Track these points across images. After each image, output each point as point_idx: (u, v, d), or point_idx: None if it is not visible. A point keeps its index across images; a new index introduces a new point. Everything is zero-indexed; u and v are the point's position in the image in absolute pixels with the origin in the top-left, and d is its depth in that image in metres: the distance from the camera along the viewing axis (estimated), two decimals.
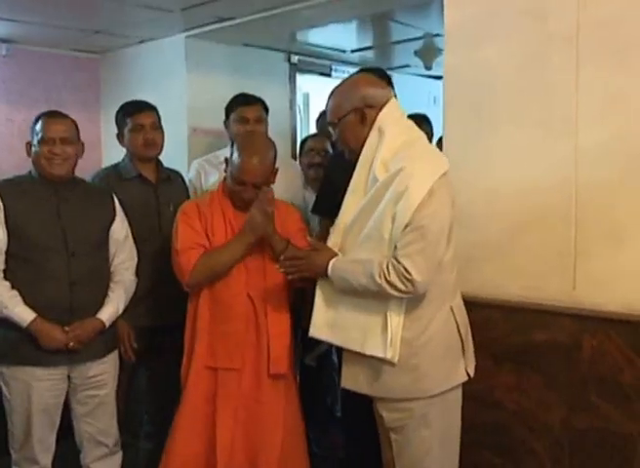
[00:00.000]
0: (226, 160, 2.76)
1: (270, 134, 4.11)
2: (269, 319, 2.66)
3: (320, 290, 2.45)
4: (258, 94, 3.80)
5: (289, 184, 3.59)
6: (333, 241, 2.46)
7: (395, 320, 2.31)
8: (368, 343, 2.34)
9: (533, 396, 2.68)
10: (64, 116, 2.86)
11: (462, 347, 2.45)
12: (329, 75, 5.37)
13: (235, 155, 2.67)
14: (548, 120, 2.65)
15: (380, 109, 2.41)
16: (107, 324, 2.83)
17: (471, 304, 2.73)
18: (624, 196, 2.49)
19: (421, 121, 4.29)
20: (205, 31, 4.17)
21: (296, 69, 5.11)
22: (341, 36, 4.83)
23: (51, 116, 2.82)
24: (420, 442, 2.41)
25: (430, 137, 4.25)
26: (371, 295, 2.32)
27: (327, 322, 2.44)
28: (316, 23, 4.29)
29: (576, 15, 2.56)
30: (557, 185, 2.63)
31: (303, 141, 4.20)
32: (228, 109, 3.65)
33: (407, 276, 2.21)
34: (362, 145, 2.41)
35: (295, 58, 5.08)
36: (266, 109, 3.66)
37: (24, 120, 4.65)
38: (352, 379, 2.46)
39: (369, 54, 5.38)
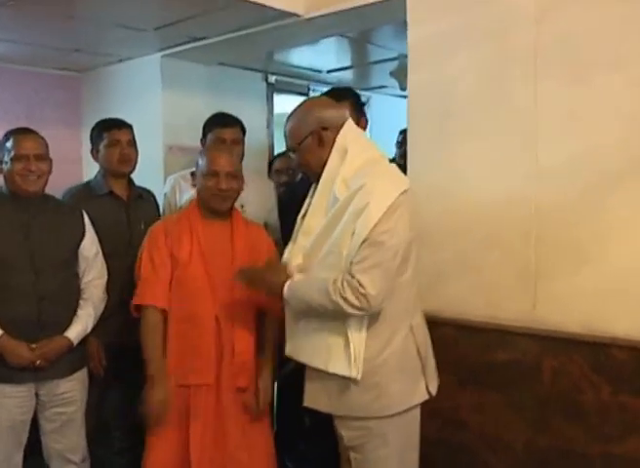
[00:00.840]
0: (193, 174, 2.85)
1: (247, 153, 4.16)
2: (235, 336, 2.69)
3: (287, 311, 2.48)
4: (234, 112, 3.82)
5: (264, 203, 3.63)
6: (295, 262, 2.47)
7: (357, 337, 2.32)
8: (332, 362, 2.36)
9: (495, 416, 2.70)
10: (36, 133, 2.87)
11: (422, 366, 2.46)
12: (307, 95, 5.38)
13: (202, 159, 2.77)
14: (509, 137, 2.69)
15: (338, 130, 2.44)
16: (75, 342, 2.83)
17: (435, 322, 2.76)
18: (584, 214, 2.51)
19: None
20: (181, 50, 4.20)
21: (273, 89, 5.11)
22: (319, 56, 4.84)
23: (23, 133, 2.84)
24: (378, 460, 2.42)
25: None
26: (330, 316, 2.34)
27: (294, 341, 2.48)
28: (292, 44, 4.32)
29: (533, 31, 2.60)
30: (517, 203, 2.66)
31: (271, 162, 4.27)
32: (206, 128, 3.66)
33: (361, 291, 2.22)
34: (323, 167, 2.43)
35: (272, 78, 5.08)
36: (244, 130, 3.70)
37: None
38: (313, 398, 2.48)
39: (346, 74, 5.40)
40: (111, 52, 4.35)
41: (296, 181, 3.64)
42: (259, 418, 2.79)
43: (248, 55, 4.51)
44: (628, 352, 2.38)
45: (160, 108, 4.39)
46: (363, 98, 6.09)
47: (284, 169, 4.03)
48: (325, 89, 5.56)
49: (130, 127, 3.47)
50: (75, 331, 2.83)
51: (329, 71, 5.18)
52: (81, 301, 2.92)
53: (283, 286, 2.40)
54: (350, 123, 2.48)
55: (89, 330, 2.91)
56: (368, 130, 3.38)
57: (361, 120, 3.10)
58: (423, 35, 2.94)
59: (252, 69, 4.93)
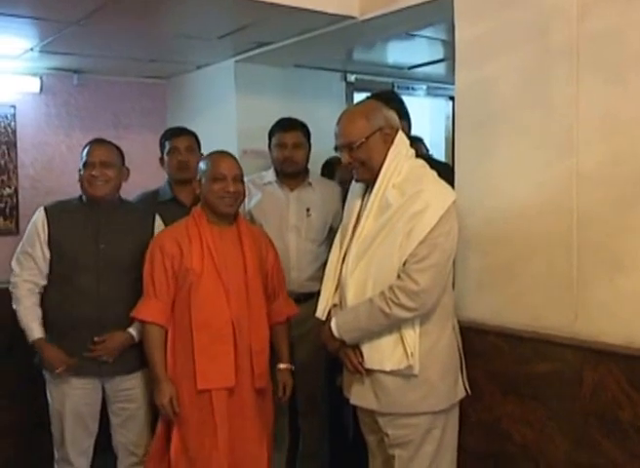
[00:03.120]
0: (197, 182, 2.88)
1: (326, 155, 4.20)
2: (252, 339, 2.79)
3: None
4: (311, 114, 3.88)
5: (330, 206, 3.65)
6: (350, 267, 2.53)
7: (409, 333, 2.42)
8: (386, 360, 2.45)
9: (537, 428, 2.59)
10: (107, 142, 3.08)
11: (461, 364, 2.60)
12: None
13: (205, 165, 2.85)
14: (549, 139, 2.57)
15: (395, 133, 2.55)
16: (137, 338, 2.97)
17: (480, 331, 2.75)
18: (626, 221, 2.36)
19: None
20: (254, 55, 4.25)
21: (353, 88, 5.03)
22: (405, 52, 4.71)
23: (95, 142, 3.07)
24: (424, 456, 2.51)
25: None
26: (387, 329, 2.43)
27: None
28: (371, 39, 4.22)
29: (575, 28, 2.47)
30: (558, 209, 2.54)
31: (325, 165, 4.26)
32: (270, 134, 3.75)
33: (414, 289, 2.34)
34: (380, 166, 2.50)
35: (352, 77, 5.01)
36: (308, 134, 3.73)
37: None
38: (361, 396, 2.57)
39: (436, 68, 5.17)
40: (186, 60, 4.49)
41: None
42: (267, 416, 2.94)
43: (325, 55, 4.50)
44: None
45: (234, 113, 4.47)
46: None
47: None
48: (413, 84, 5.54)
49: (190, 134, 3.61)
50: (138, 328, 2.96)
51: (410, 68, 5.06)
52: None
53: (331, 327, 2.52)
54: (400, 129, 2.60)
55: None
56: None
57: (403, 125, 3.06)
58: (469, 35, 2.85)
59: (330, 69, 4.90)
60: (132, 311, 2.85)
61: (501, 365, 2.69)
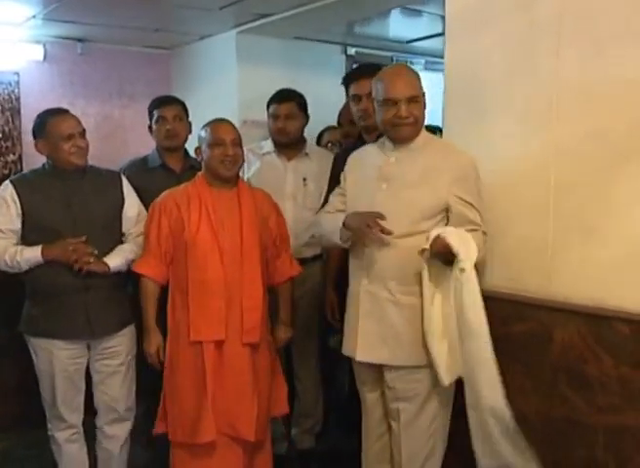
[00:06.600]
0: (197, 150, 3.00)
1: (325, 125, 4.27)
2: (243, 297, 2.89)
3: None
4: (311, 86, 3.96)
5: (326, 176, 3.73)
6: None
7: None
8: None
9: (511, 384, 2.72)
10: (69, 112, 3.10)
11: None
12: None
13: (205, 132, 2.95)
14: (531, 112, 2.66)
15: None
16: (112, 269, 3.00)
17: None
18: (599, 192, 2.47)
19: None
20: (256, 26, 4.34)
21: (353, 61, 5.11)
22: (405, 25, 4.80)
23: (61, 113, 3.07)
24: (427, 412, 2.66)
25: None
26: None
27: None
28: (372, 12, 4.32)
29: (559, 3, 2.54)
30: (536, 180, 2.64)
31: (320, 136, 4.35)
32: (267, 105, 3.84)
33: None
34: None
35: (352, 51, 5.11)
36: (304, 105, 3.81)
37: (99, 114, 5.03)
38: (369, 351, 2.68)
39: (434, 42, 5.18)
40: (188, 31, 4.58)
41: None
42: (272, 370, 3.06)
43: (326, 27, 4.57)
44: (631, 326, 2.35)
45: (235, 83, 4.57)
46: None
47: (336, 140, 4.12)
48: (411, 59, 5.60)
49: (178, 103, 3.68)
50: (114, 261, 3.02)
51: (408, 42, 5.14)
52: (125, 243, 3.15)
53: None
54: None
55: (127, 262, 3.07)
56: None
57: None
58: (460, 7, 2.91)
59: (330, 42, 4.98)
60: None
61: None
